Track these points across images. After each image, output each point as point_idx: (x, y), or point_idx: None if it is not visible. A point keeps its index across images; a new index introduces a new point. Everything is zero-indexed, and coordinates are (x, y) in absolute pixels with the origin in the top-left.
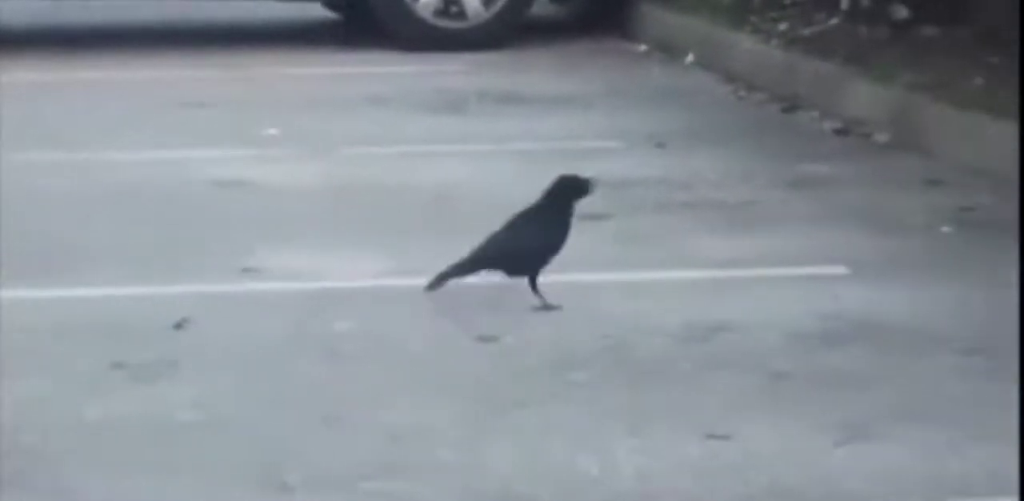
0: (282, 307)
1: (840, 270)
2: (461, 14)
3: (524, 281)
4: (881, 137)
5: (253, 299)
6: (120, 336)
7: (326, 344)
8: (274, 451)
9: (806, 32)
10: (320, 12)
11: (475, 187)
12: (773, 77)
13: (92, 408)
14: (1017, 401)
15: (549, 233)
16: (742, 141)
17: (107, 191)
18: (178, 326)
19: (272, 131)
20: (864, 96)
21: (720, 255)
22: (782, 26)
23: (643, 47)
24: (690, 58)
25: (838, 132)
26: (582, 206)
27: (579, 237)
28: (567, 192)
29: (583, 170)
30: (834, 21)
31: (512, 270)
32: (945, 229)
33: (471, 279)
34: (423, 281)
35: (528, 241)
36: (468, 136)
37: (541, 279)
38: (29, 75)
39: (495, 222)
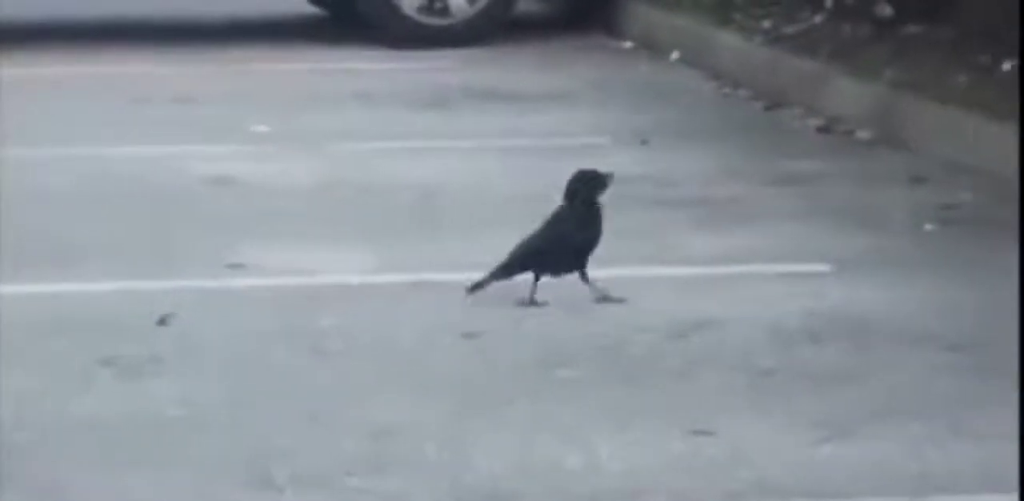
0: (268, 303)
1: (824, 267)
2: (445, 11)
3: (559, 278)
4: (864, 134)
5: (239, 295)
6: (107, 332)
7: (313, 340)
8: (261, 447)
9: (790, 30)
10: (307, 8)
11: (461, 184)
12: (757, 74)
13: (78, 404)
14: (1015, 400)
15: (582, 229)
16: (726, 138)
17: (94, 187)
18: (161, 322)
19: (261, 127)
20: (847, 94)
21: (705, 252)
22: (766, 24)
23: (628, 44)
24: (675, 55)
25: (821, 129)
26: None
27: None
28: (588, 186)
29: (571, 167)
30: (818, 19)
31: (554, 270)
32: (929, 226)
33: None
34: (409, 278)
35: (562, 240)
36: (454, 132)
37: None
38: (10, 71)
39: (481, 219)
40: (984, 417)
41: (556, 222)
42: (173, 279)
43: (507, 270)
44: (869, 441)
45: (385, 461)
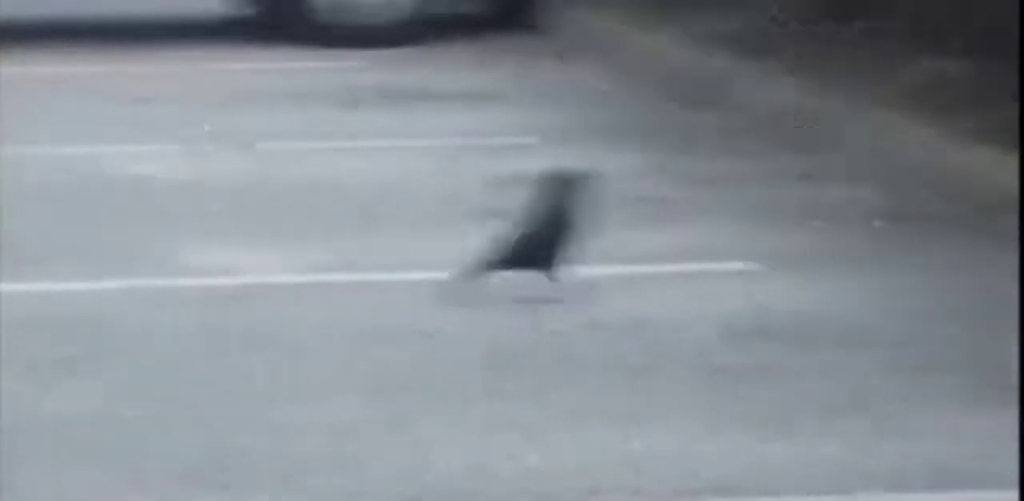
0: (213, 302)
1: (756, 266)
2: (378, 11)
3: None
4: (788, 134)
5: (183, 294)
6: (50, 331)
7: (265, 340)
8: (215, 446)
9: (715, 30)
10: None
11: (392, 183)
12: (679, 75)
13: (27, 404)
14: (959, 396)
15: (550, 227)
16: (652, 138)
17: (34, 187)
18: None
19: (205, 127)
20: (769, 93)
21: (637, 251)
22: (691, 25)
23: (555, 44)
24: (600, 56)
25: (747, 129)
26: (497, 203)
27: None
28: (553, 185)
29: (498, 166)
30: (744, 20)
31: (532, 267)
32: (877, 223)
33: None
34: (350, 277)
35: (536, 238)
36: (384, 132)
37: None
38: None
39: (410, 219)
40: (930, 413)
41: (526, 220)
42: (116, 279)
43: (480, 268)
44: (816, 439)
45: (343, 460)
